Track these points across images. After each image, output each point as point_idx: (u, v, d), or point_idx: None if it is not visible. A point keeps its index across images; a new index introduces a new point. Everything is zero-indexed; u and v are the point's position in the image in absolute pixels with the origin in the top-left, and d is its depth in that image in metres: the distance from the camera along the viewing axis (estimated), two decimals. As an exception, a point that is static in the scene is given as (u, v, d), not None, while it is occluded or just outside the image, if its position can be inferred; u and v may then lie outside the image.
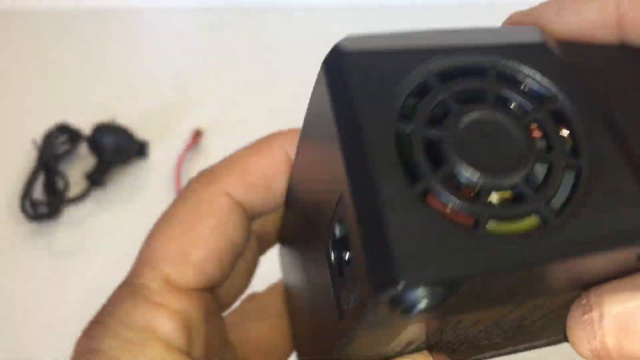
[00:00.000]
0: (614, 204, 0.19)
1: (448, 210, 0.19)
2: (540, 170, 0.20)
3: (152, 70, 0.67)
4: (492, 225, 0.19)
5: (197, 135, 0.61)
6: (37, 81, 0.66)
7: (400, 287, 0.17)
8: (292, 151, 0.24)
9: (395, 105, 0.20)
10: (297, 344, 0.28)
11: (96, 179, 0.57)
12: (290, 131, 0.24)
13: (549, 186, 0.19)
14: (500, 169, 0.19)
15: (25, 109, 0.64)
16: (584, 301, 0.19)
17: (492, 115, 0.20)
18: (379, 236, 0.18)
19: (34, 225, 0.55)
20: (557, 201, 0.20)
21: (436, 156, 0.20)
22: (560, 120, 0.21)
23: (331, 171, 0.20)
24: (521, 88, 0.21)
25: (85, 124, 0.59)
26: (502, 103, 0.21)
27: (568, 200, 0.20)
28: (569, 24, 0.21)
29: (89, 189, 0.57)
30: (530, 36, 0.22)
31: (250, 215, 0.24)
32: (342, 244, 0.20)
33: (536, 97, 0.20)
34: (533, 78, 0.21)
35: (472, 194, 0.19)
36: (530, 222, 0.19)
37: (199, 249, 0.22)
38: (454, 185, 0.19)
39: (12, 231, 0.55)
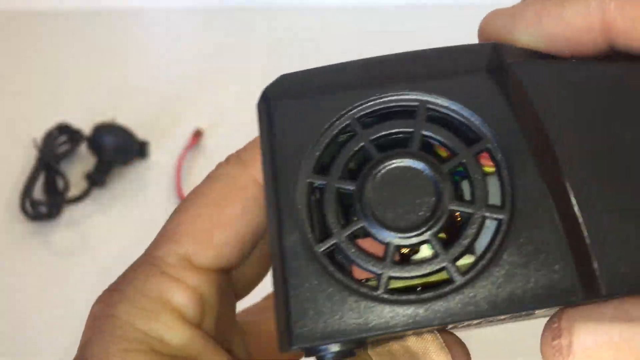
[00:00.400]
0: (528, 261, 0.19)
1: (352, 270, 0.19)
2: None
3: (152, 71, 0.67)
4: (397, 282, 0.19)
5: (197, 135, 0.61)
6: (37, 81, 0.66)
7: (294, 348, 0.19)
8: None
9: (314, 155, 0.20)
10: None
11: (96, 179, 0.57)
12: None
13: (462, 241, 0.19)
14: (411, 226, 0.19)
15: (25, 108, 0.64)
16: (554, 325, 0.19)
17: (412, 164, 0.19)
18: (283, 298, 0.19)
19: (34, 225, 0.55)
20: (478, 247, 0.19)
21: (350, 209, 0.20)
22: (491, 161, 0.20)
23: None
24: (451, 128, 0.20)
25: (85, 124, 0.59)
26: (426, 147, 0.20)
27: (484, 252, 0.19)
28: (549, 28, 0.20)
29: (89, 189, 0.57)
30: (478, 60, 0.21)
31: None
32: None
33: (466, 138, 0.20)
34: (464, 117, 0.20)
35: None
36: (440, 275, 0.19)
37: (223, 232, 0.23)
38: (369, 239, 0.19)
39: (12, 231, 0.55)
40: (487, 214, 0.19)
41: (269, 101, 0.21)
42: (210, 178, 0.24)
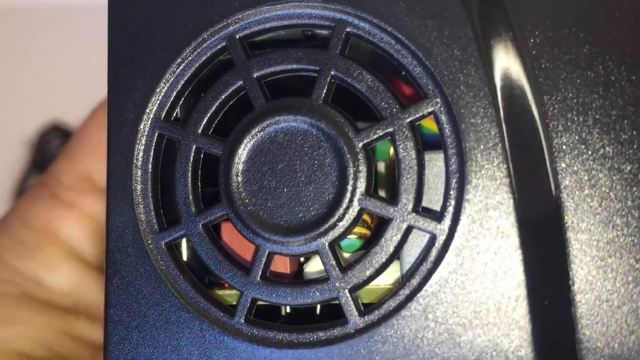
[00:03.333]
0: (468, 307, 0.12)
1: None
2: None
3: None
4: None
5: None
6: (30, 79, 0.65)
7: None
8: None
9: (168, 93, 0.14)
10: None
11: (91, 178, 0.56)
12: None
13: (369, 259, 0.13)
14: (296, 226, 0.13)
15: (19, 107, 0.63)
16: None
17: (310, 128, 0.13)
18: (106, 304, 0.14)
19: (27, 227, 0.54)
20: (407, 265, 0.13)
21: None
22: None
23: None
24: (381, 69, 0.14)
25: (80, 123, 0.58)
26: (338, 98, 0.14)
27: (404, 281, 0.13)
28: None
29: (83, 189, 0.56)
30: None
31: None
32: None
33: (402, 83, 0.14)
34: (404, 55, 0.13)
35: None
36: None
37: None
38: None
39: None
40: (417, 224, 0.13)
41: None
42: None
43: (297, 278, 0.14)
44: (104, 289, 0.13)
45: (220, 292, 0.14)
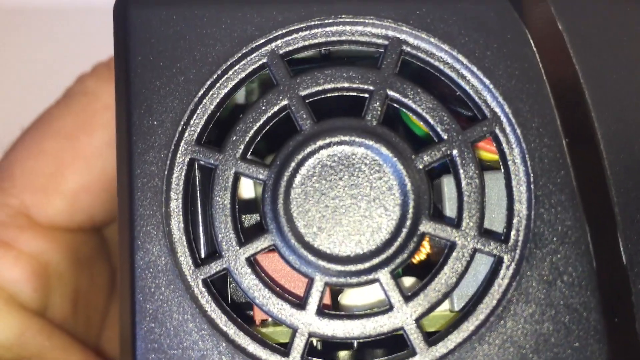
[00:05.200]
0: (541, 330, 0.12)
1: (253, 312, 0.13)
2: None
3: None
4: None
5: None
6: (29, 78, 0.64)
7: None
8: None
9: (201, 113, 0.12)
10: None
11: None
12: None
13: (433, 286, 0.12)
14: (355, 255, 0.12)
15: (15, 106, 0.62)
16: None
17: (365, 151, 0.12)
18: (129, 348, 0.12)
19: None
20: (459, 298, 0.13)
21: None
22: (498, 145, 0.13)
23: None
24: (436, 90, 0.13)
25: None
26: (392, 119, 0.13)
27: (469, 309, 0.12)
28: None
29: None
30: None
31: None
32: None
33: (458, 104, 0.13)
34: (461, 75, 0.12)
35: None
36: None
37: (76, 172, 0.16)
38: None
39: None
40: (482, 247, 0.12)
41: (128, 6, 0.13)
42: (66, 97, 0.17)
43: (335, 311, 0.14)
44: (125, 340, 0.12)
45: (263, 330, 0.13)
